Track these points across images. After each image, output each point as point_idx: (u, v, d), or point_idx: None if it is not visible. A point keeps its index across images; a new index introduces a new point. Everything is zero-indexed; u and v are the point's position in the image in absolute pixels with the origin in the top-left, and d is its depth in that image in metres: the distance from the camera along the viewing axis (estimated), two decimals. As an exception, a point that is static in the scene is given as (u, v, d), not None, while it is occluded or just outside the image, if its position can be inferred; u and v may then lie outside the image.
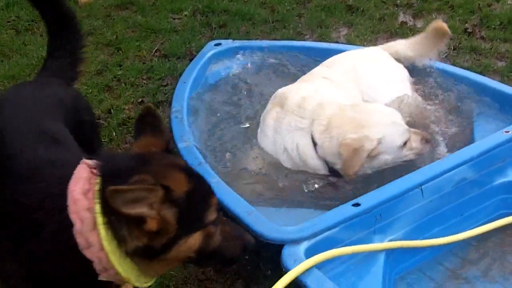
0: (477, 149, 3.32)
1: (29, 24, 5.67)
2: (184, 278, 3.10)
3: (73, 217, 1.84)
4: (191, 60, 4.56)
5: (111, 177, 1.86)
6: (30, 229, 1.93)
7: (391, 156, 3.39)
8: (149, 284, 2.03)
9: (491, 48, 5.22)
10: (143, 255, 1.89)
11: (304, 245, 2.74)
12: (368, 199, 3.00)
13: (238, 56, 4.44)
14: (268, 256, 2.78)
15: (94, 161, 1.94)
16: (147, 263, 1.93)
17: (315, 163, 3.42)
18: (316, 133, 3.38)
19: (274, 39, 5.23)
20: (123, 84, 4.78)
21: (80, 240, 1.85)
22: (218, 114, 3.98)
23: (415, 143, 3.44)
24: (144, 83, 4.82)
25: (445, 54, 5.16)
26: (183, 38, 5.40)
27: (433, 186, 3.13)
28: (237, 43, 4.59)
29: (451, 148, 3.58)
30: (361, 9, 5.90)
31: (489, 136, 3.45)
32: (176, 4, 6.03)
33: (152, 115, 2.10)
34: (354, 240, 2.89)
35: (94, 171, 1.89)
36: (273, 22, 5.71)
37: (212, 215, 1.98)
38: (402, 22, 5.73)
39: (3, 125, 2.27)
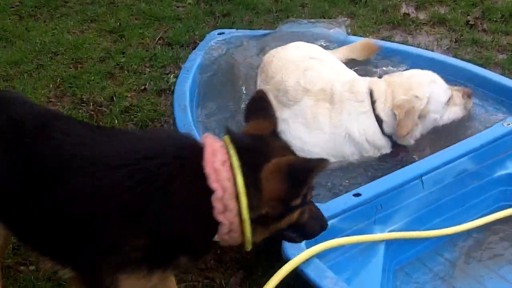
0: (477, 141, 3.35)
1: (32, 10, 5.66)
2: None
3: (215, 185, 1.97)
4: (194, 48, 4.57)
5: (246, 152, 2.01)
6: (161, 198, 2.00)
7: (439, 114, 3.56)
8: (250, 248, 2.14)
9: (492, 41, 5.22)
10: (258, 223, 2.03)
11: (305, 235, 2.76)
12: (369, 189, 3.03)
13: (241, 44, 4.44)
14: (269, 246, 2.80)
15: (215, 137, 2.08)
16: (254, 230, 2.05)
17: (382, 143, 3.56)
18: (381, 111, 3.51)
19: (277, 29, 5.23)
20: (126, 72, 4.78)
21: (218, 206, 1.98)
22: (217, 100, 4.02)
23: (458, 98, 3.60)
24: (147, 70, 4.81)
25: (447, 47, 5.17)
26: (186, 26, 5.39)
27: (433, 177, 3.16)
28: (240, 32, 4.60)
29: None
30: (364, 0, 5.90)
31: (490, 128, 3.48)
32: (180, -8, 6.03)
33: (265, 100, 2.22)
34: (354, 230, 2.93)
35: (228, 145, 2.02)
36: (276, 12, 5.71)
37: (310, 195, 2.15)
38: (404, 13, 5.72)
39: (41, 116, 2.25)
